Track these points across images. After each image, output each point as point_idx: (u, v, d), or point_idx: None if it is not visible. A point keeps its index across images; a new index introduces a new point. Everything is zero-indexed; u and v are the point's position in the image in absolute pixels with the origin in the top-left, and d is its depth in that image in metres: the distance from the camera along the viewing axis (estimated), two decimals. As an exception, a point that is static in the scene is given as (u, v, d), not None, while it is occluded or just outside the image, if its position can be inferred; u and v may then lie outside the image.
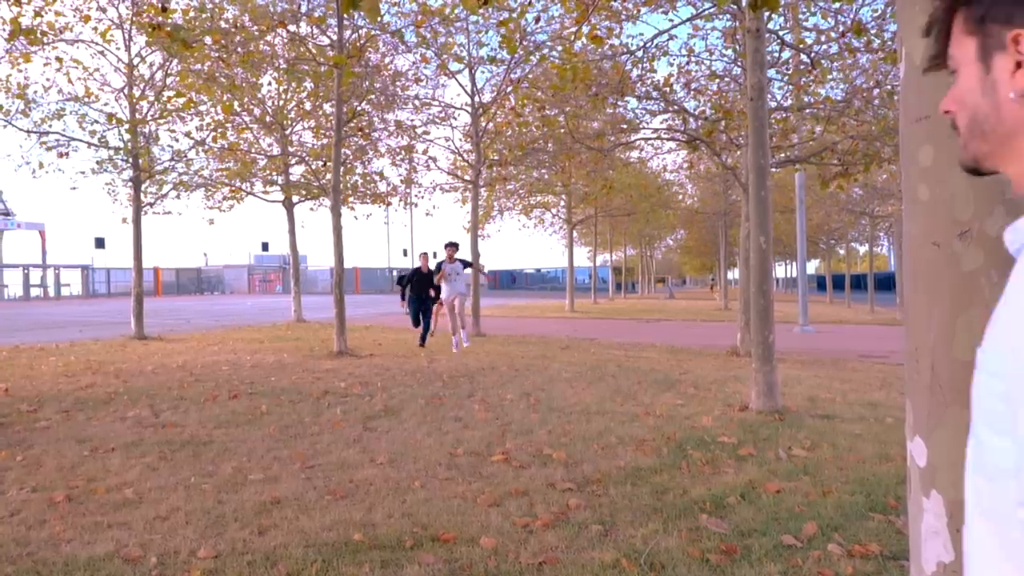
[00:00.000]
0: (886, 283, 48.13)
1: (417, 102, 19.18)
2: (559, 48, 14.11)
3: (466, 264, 14.53)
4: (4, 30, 12.20)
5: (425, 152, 20.85)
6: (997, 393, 0.86)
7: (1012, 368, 0.83)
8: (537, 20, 14.50)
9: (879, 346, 15.54)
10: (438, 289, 14.56)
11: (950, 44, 0.96)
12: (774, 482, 5.02)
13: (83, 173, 17.83)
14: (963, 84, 0.95)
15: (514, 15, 11.87)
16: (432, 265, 15.15)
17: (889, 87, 12.33)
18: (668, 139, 16.39)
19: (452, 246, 13.87)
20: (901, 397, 8.49)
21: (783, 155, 13.59)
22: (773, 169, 13.10)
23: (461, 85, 19.39)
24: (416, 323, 15.16)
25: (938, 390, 1.70)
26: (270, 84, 18.62)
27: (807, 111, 12.82)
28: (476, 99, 19.22)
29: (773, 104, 12.85)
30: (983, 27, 0.90)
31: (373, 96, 17.05)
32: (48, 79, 16.79)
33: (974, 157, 0.96)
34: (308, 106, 18.84)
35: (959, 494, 1.73)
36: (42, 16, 13.47)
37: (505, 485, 5.01)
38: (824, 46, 11.51)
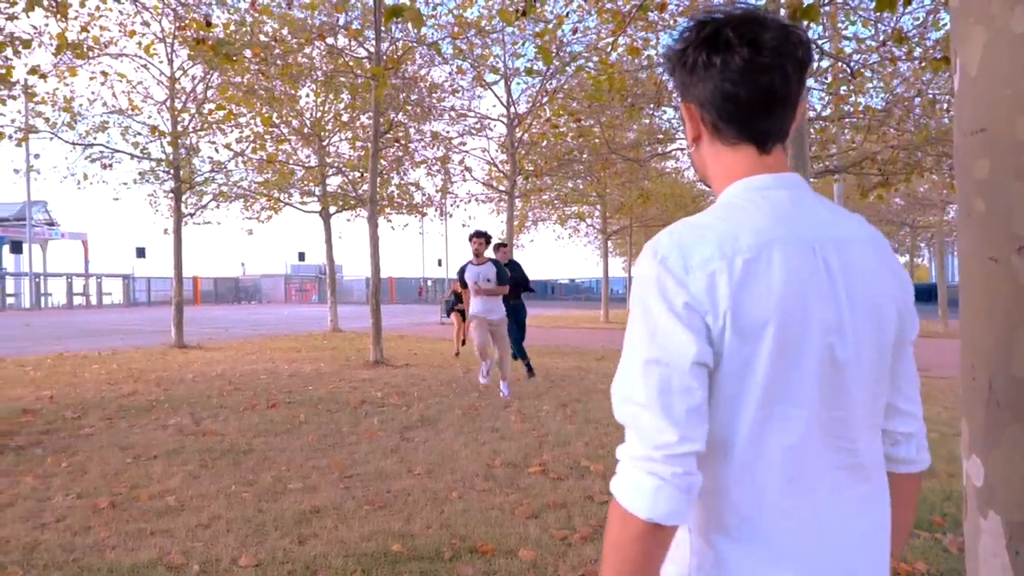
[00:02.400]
0: (926, 294, 47.22)
1: (453, 113, 19.30)
2: (595, 59, 14.10)
3: (504, 273, 9.69)
4: (51, 45, 12.50)
5: (461, 163, 20.95)
6: None
7: None
8: (575, 31, 14.52)
9: (920, 359, 15.26)
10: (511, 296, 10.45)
11: None
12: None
13: (126, 184, 18.19)
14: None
15: (551, 26, 11.90)
16: (511, 256, 10.88)
17: (931, 95, 12.15)
18: (705, 149, 16.27)
19: (480, 237, 9.56)
20: (944, 411, 8.32)
21: (822, 165, 13.43)
22: (812, 179, 12.96)
23: (497, 96, 19.49)
24: (517, 349, 11.08)
25: (995, 408, 1.67)
26: (308, 96, 18.84)
27: (847, 120, 12.67)
28: (511, 110, 19.29)
29: (812, 114, 12.73)
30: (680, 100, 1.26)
31: (409, 107, 17.18)
32: (93, 92, 17.11)
33: (700, 178, 1.33)
34: (345, 117, 19.03)
35: (1019, 515, 1.69)
36: (88, 31, 13.77)
37: (543, 497, 5.00)
38: (864, 55, 11.38)
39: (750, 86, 1.14)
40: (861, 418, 1.18)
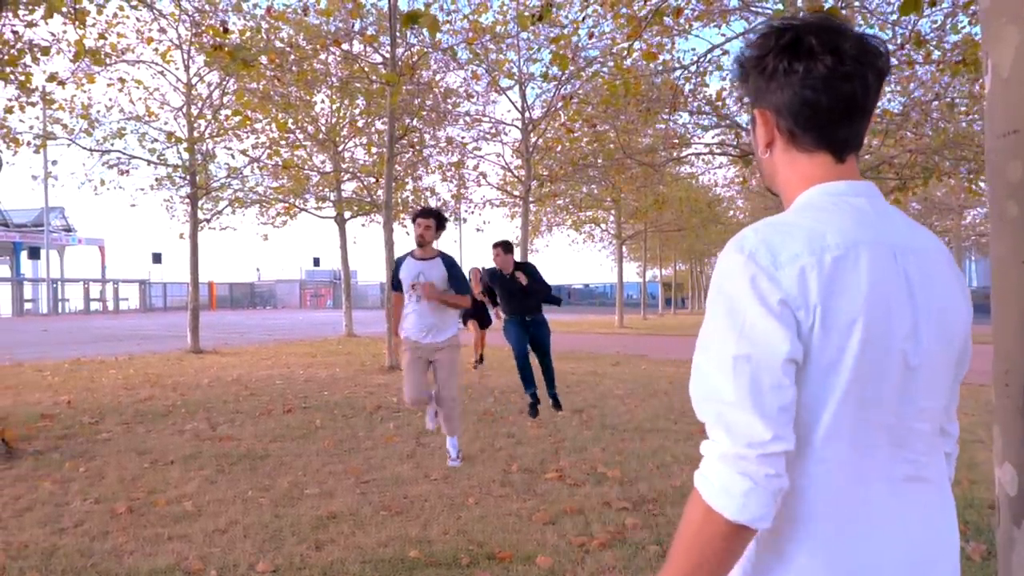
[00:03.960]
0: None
1: (468, 118, 19.32)
2: (610, 63, 14.09)
3: (460, 276, 6.18)
4: (70, 51, 12.58)
5: (475, 168, 20.96)
6: None
7: None
8: (590, 36, 14.51)
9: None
10: (526, 302, 8.49)
11: None
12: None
13: (142, 190, 18.35)
14: (752, 140, 1.32)
15: (566, 31, 11.90)
16: (510, 264, 8.30)
17: (949, 99, 12.06)
18: (720, 154, 16.26)
19: (428, 217, 6.10)
20: (965, 417, 8.23)
21: (839, 169, 13.34)
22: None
23: (511, 101, 19.49)
24: (526, 376, 8.54)
25: (1029, 415, 1.63)
26: (323, 102, 18.92)
27: (864, 124, 12.57)
28: (526, 115, 19.29)
29: (828, 118, 12.64)
30: (750, 105, 1.28)
31: (424, 113, 17.20)
32: (110, 99, 17.45)
33: (767, 185, 1.34)
34: (360, 123, 19.09)
35: (1056, 525, 1.65)
36: (106, 38, 13.86)
37: (560, 503, 4.97)
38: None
39: (832, 94, 1.15)
40: (927, 431, 1.18)
